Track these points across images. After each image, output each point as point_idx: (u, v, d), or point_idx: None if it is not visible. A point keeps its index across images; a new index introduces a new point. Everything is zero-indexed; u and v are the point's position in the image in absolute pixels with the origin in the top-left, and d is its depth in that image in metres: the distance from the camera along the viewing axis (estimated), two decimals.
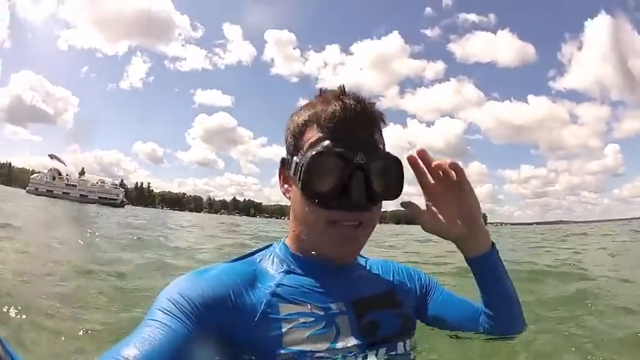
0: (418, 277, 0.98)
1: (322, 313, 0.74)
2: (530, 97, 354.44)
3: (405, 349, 0.81)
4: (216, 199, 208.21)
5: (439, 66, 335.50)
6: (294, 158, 0.76)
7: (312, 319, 0.73)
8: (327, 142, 0.73)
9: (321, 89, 0.82)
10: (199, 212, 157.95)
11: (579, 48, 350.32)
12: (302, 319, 0.72)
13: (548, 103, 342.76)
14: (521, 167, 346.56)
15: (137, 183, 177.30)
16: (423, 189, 0.85)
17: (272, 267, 0.80)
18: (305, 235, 0.79)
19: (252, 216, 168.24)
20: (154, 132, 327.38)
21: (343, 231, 0.74)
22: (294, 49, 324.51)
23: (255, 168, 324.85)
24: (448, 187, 0.82)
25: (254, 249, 0.86)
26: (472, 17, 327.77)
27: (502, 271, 0.88)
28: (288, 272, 0.79)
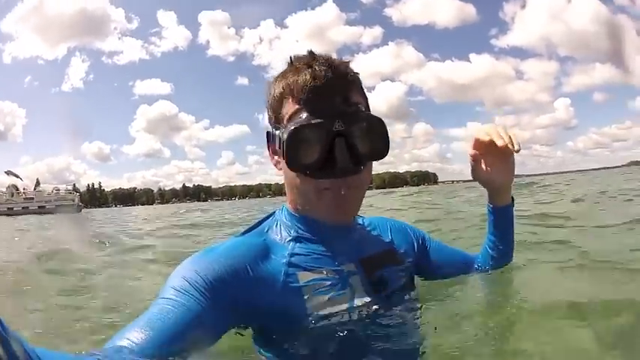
0: (412, 233, 1.01)
1: (337, 275, 0.76)
2: (473, 56, 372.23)
3: (411, 298, 0.87)
4: (166, 188, 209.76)
5: (376, 31, 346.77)
6: (277, 132, 0.76)
7: (329, 282, 0.75)
8: (304, 115, 0.72)
9: (291, 57, 0.79)
10: (152, 204, 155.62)
11: (522, 6, 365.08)
12: (320, 284, 0.74)
13: (491, 61, 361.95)
14: (467, 125, 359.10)
15: (88, 185, 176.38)
16: (474, 142, 0.92)
17: (281, 235, 0.80)
18: (300, 204, 0.80)
19: (204, 200, 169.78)
20: (98, 130, 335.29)
21: (336, 197, 0.74)
22: (228, 28, 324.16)
23: (200, 152, 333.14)
24: (497, 149, 0.88)
25: (258, 219, 0.86)
26: None
27: (513, 220, 1.02)
28: (297, 239, 0.79)
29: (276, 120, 0.78)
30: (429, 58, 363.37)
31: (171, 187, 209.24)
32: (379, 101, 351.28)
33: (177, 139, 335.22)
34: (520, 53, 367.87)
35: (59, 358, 0.45)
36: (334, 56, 0.78)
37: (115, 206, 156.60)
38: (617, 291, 1.28)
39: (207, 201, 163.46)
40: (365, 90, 0.82)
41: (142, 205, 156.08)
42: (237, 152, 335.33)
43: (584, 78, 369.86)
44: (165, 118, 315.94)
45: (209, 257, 0.71)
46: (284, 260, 0.75)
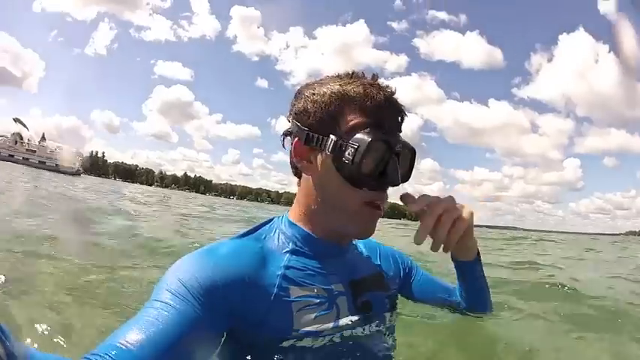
0: (401, 260, 1.03)
1: (326, 294, 0.77)
2: (492, 101, 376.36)
3: (391, 322, 0.89)
4: (168, 173, 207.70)
5: (402, 59, 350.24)
6: (332, 137, 0.74)
7: (318, 300, 0.75)
8: (373, 129, 0.73)
9: (346, 72, 0.82)
10: (150, 185, 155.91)
11: (549, 60, 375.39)
12: (309, 302, 0.74)
13: (509, 109, 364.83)
14: (474, 169, 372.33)
15: (92, 152, 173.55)
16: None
17: (278, 245, 0.80)
18: (329, 214, 0.79)
19: (202, 193, 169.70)
20: (112, 100, 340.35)
21: (373, 212, 0.77)
22: (258, 27, 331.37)
23: (209, 145, 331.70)
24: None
25: (257, 223, 0.85)
26: (442, 15, 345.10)
27: (482, 273, 0.96)
28: (293, 252, 0.79)
29: (330, 124, 0.76)
30: (449, 96, 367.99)
31: (172, 173, 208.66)
32: None
33: (188, 127, 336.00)
34: (539, 107, 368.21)
35: None
36: None
37: (115, 179, 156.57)
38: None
39: (205, 194, 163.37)
40: None
41: (141, 184, 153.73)
42: (243, 152, 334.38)
43: (597, 141, 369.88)
44: (180, 104, 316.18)
45: (208, 261, 0.71)
46: (279, 272, 0.75)
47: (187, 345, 0.59)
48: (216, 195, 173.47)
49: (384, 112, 0.75)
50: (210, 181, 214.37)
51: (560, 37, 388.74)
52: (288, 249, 0.79)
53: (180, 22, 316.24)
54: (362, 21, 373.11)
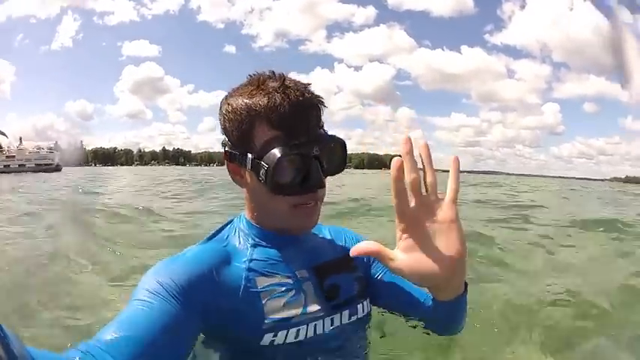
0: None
1: (291, 281, 0.78)
2: (464, 48, 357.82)
3: (364, 311, 0.86)
4: (146, 150, 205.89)
5: (370, 11, 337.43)
6: (249, 155, 0.75)
7: (284, 288, 0.77)
8: (283, 141, 0.72)
9: (251, 75, 0.80)
10: (131, 165, 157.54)
11: (522, 7, 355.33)
12: (275, 289, 0.76)
13: (483, 55, 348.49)
14: (452, 115, 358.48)
15: (70, 142, 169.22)
16: (398, 214, 0.64)
17: (240, 243, 0.82)
18: (269, 218, 0.81)
19: (182, 165, 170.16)
20: (84, 89, 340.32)
21: (306, 210, 0.78)
22: None
23: (183, 116, 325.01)
24: (430, 212, 0.64)
25: (217, 227, 0.88)
26: None
27: (465, 309, 0.80)
28: (254, 246, 0.81)
29: (244, 141, 0.76)
30: (420, 44, 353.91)
31: (150, 150, 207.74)
32: (366, 82, 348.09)
33: (161, 102, 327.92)
34: (513, 52, 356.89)
35: (48, 357, 0.48)
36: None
37: (95, 165, 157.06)
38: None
39: (185, 165, 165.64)
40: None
41: (122, 165, 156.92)
42: (218, 119, 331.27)
43: (576, 87, 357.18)
44: (151, 80, 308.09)
45: (179, 263, 0.73)
46: (244, 265, 0.78)
47: (166, 339, 0.61)
48: (196, 165, 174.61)
49: (292, 119, 0.73)
50: (189, 151, 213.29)
51: None
52: (249, 244, 0.82)
53: (142, 1, 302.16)
54: None
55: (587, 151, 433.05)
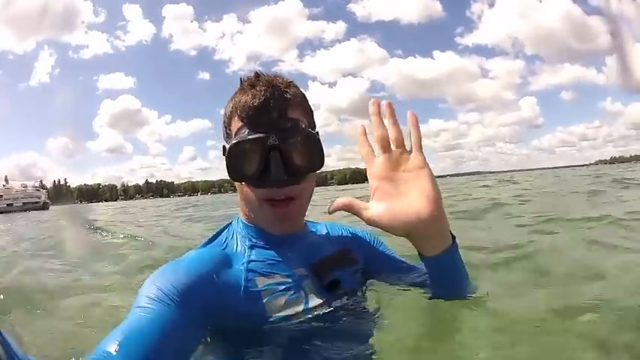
0: (365, 237, 0.99)
1: (290, 280, 0.79)
2: (436, 53, 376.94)
3: (364, 297, 0.89)
4: (129, 184, 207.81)
5: (340, 26, 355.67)
6: (225, 146, 0.79)
7: (283, 287, 0.78)
8: (244, 131, 0.76)
9: (241, 78, 0.84)
10: (115, 200, 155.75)
11: (491, 5, 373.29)
12: (275, 289, 0.77)
13: (455, 58, 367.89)
14: (429, 121, 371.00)
15: (55, 181, 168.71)
16: (369, 173, 0.75)
17: (238, 245, 0.83)
18: (248, 213, 0.84)
19: (166, 197, 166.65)
20: (64, 125, 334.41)
21: (276, 207, 0.78)
22: (191, 22, 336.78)
23: (162, 147, 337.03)
24: (399, 164, 0.72)
25: (216, 231, 0.89)
26: None
27: (461, 266, 0.78)
28: (252, 247, 0.82)
29: (227, 137, 0.82)
30: (392, 54, 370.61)
31: (134, 183, 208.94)
32: (340, 97, 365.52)
33: (140, 135, 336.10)
34: (485, 52, 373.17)
35: None
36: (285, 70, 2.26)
37: (80, 202, 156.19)
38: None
39: (169, 197, 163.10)
40: (311, 107, 0.86)
41: (106, 201, 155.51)
42: (198, 147, 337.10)
43: (551, 77, 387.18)
44: (129, 113, 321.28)
45: (178, 268, 0.74)
46: (243, 267, 0.78)
47: (170, 345, 0.61)
48: (180, 196, 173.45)
49: (254, 111, 0.76)
50: (172, 182, 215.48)
51: None
52: (247, 246, 0.83)
53: (115, 32, 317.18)
54: None
55: (569, 138, 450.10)
